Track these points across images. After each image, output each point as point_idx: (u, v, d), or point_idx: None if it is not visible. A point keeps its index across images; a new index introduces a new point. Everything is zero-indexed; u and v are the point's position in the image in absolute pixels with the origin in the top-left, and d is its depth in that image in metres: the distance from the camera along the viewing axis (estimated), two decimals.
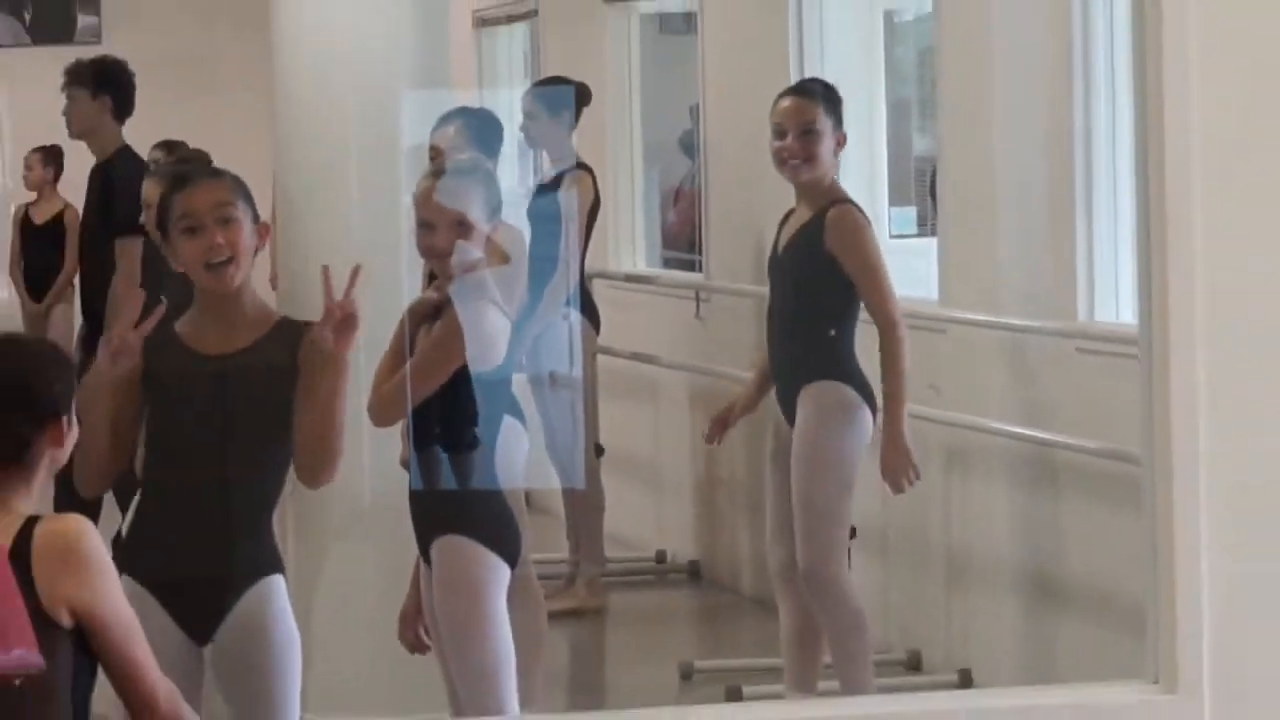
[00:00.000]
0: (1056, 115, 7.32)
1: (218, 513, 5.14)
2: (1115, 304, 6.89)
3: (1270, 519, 4.79)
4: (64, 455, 4.16)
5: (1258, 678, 4.78)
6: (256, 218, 5.30)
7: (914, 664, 7.68)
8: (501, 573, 6.01)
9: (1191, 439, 4.77)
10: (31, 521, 3.79)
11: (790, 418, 6.92)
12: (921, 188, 9.09)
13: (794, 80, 8.41)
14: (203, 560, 5.11)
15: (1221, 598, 4.75)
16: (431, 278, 6.41)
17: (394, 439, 6.37)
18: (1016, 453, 7.47)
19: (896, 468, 6.79)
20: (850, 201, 7.04)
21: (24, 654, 3.41)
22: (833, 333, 6.72)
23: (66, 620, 3.73)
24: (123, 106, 8.30)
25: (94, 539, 3.92)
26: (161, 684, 3.99)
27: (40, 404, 3.93)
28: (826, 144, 6.96)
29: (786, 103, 7.10)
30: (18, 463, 3.87)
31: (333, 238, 7.31)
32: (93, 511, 5.27)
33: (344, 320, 4.98)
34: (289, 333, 5.16)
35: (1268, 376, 4.84)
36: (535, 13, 11.07)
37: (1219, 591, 4.75)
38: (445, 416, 6.05)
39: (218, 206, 5.24)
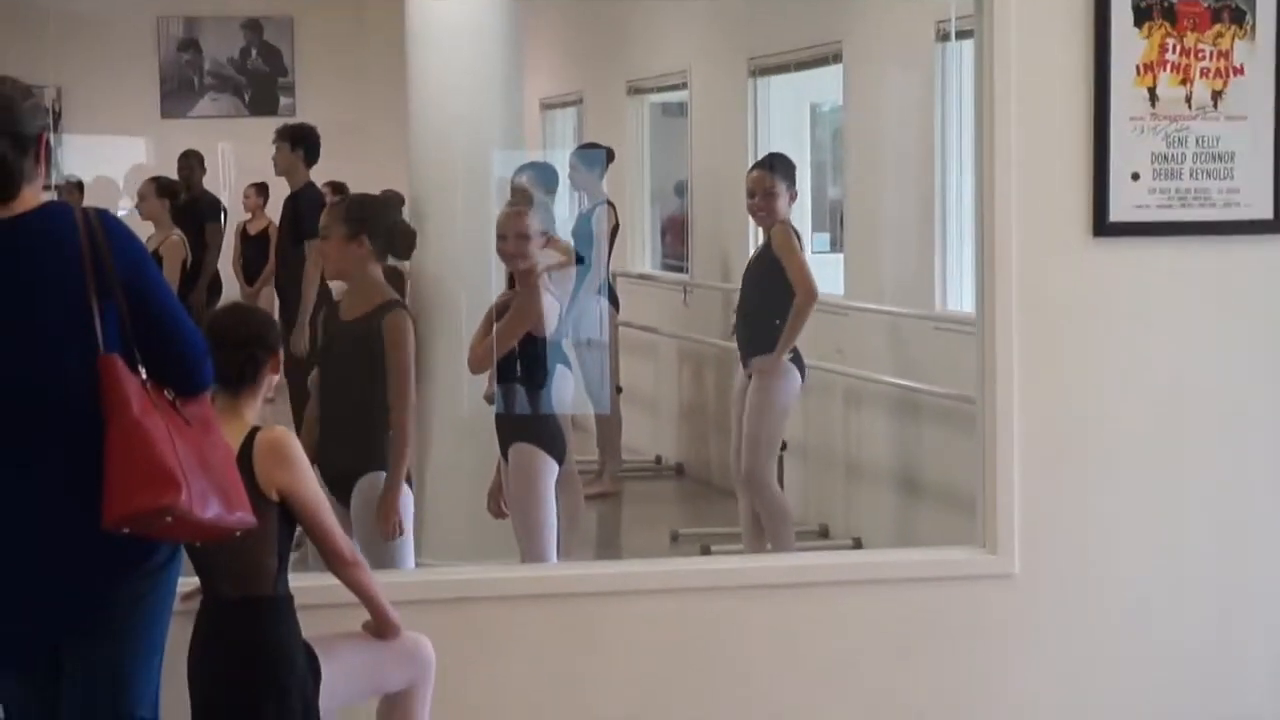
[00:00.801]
0: (922, 173, 7.35)
1: (348, 423, 5.28)
2: (960, 297, 6.90)
3: (1057, 440, 4.91)
4: (275, 380, 4.28)
5: (1048, 542, 4.84)
6: (351, 236, 5.34)
7: (824, 533, 7.67)
8: (552, 467, 6.10)
9: (1008, 386, 4.87)
10: (254, 431, 3.96)
11: (749, 375, 6.98)
12: (834, 221, 9.00)
13: (751, 149, 8.55)
14: (340, 453, 5.21)
15: (1025, 491, 4.86)
16: (510, 282, 6.45)
17: (481, 381, 6.40)
18: (893, 395, 7.49)
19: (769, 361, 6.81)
20: (789, 223, 7.00)
21: (243, 515, 3.51)
22: (777, 322, 6.73)
23: (274, 497, 3.88)
24: (311, 156, 8.29)
25: (295, 443, 4.11)
26: (344, 540, 4.16)
27: (266, 343, 4.11)
28: (781, 201, 6.93)
29: (755, 174, 7.08)
30: (252, 383, 4.01)
31: (448, 246, 7.38)
32: None
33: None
34: (383, 310, 5.24)
35: (1057, 345, 4.92)
36: (581, 100, 11.08)
37: (1023, 487, 4.86)
38: (522, 366, 6.14)
39: (323, 227, 5.46)
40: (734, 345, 7.62)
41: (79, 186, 9.16)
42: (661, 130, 10.73)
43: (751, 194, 7.08)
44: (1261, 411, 5.08)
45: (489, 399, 6.44)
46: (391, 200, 6.29)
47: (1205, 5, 4.85)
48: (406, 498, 5.39)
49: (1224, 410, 5.06)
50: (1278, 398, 5.08)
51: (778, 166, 7.18)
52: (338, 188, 8.46)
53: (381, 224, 5.53)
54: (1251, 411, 5.07)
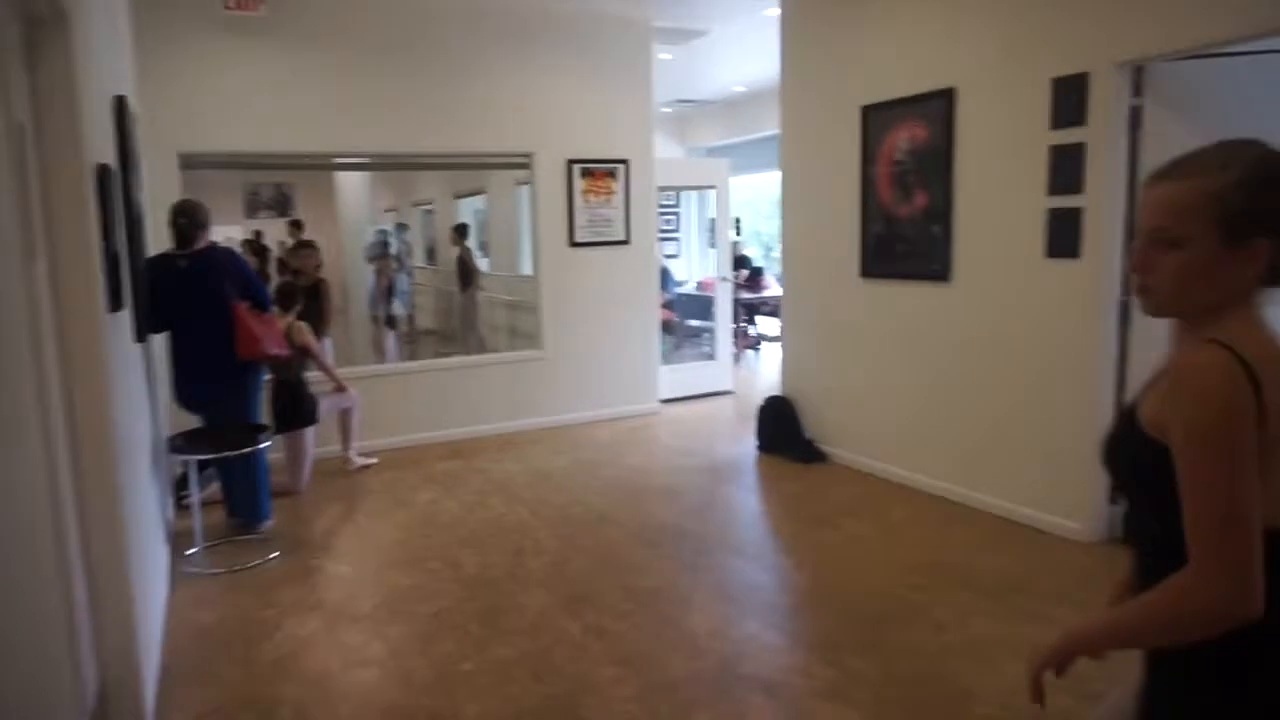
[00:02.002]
0: (513, 234, 7.54)
1: None
2: (526, 265, 6.19)
3: (567, 304, 5.71)
4: (298, 309, 4.39)
5: (559, 346, 5.77)
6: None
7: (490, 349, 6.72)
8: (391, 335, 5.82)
9: (548, 302, 5.60)
10: (290, 323, 4.19)
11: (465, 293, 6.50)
12: (489, 251, 8.50)
13: (451, 224, 7.82)
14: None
15: (549, 331, 5.72)
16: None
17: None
18: (510, 303, 7.28)
19: None
20: (469, 248, 7.06)
21: (284, 352, 3.84)
22: (464, 279, 6.72)
23: (298, 344, 4.15)
24: (303, 231, 7.60)
25: (307, 328, 4.30)
26: (328, 360, 4.54)
27: (294, 299, 4.36)
28: (458, 238, 7.01)
29: (451, 232, 7.00)
30: (290, 309, 4.23)
31: (353, 264, 7.51)
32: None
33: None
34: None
35: (562, 280, 5.63)
36: (432, 202, 9.70)
37: (549, 329, 5.73)
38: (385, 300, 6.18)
39: (304, 258, 5.07)
40: (456, 287, 7.66)
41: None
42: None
43: (451, 238, 7.27)
44: (631, 300, 5.81)
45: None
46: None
47: (602, 170, 5.74)
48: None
49: (630, 299, 5.79)
50: (627, 292, 5.79)
51: (463, 230, 7.52)
52: (311, 242, 7.93)
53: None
54: (628, 299, 5.79)
